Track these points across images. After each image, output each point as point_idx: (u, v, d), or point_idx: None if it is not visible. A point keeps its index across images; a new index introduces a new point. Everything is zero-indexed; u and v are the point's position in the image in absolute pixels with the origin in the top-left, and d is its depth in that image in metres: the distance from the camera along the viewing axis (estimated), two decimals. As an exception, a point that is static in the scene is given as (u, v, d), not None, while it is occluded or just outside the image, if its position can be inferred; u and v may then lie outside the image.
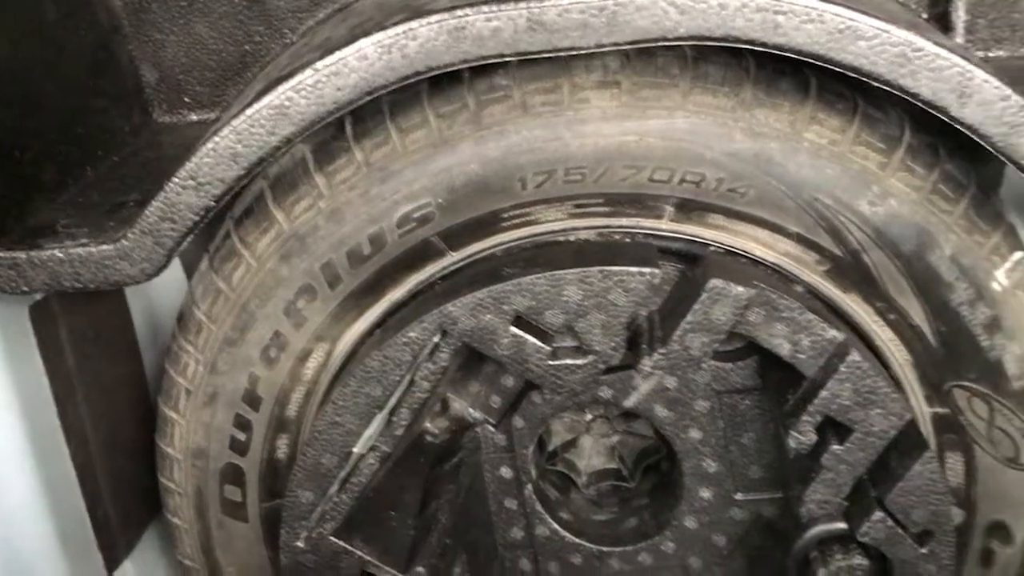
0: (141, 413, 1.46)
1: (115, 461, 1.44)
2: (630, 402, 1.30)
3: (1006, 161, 1.03)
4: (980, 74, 1.00)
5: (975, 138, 1.03)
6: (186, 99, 1.54)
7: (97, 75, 1.44)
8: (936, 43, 1.00)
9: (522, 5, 1.06)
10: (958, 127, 1.03)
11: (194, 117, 1.56)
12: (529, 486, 1.41)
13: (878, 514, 1.19)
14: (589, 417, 1.46)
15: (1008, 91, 1.00)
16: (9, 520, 1.30)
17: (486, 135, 1.19)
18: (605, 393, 1.29)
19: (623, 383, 1.27)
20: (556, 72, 1.20)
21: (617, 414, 1.44)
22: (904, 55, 1.01)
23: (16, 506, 1.30)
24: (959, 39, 1.31)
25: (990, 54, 1.42)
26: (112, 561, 1.45)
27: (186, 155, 1.14)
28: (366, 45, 1.08)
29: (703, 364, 1.24)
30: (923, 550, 1.20)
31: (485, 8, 1.06)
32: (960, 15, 1.36)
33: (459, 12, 1.06)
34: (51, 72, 1.33)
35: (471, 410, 1.34)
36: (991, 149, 1.03)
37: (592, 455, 1.48)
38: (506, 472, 1.41)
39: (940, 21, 1.39)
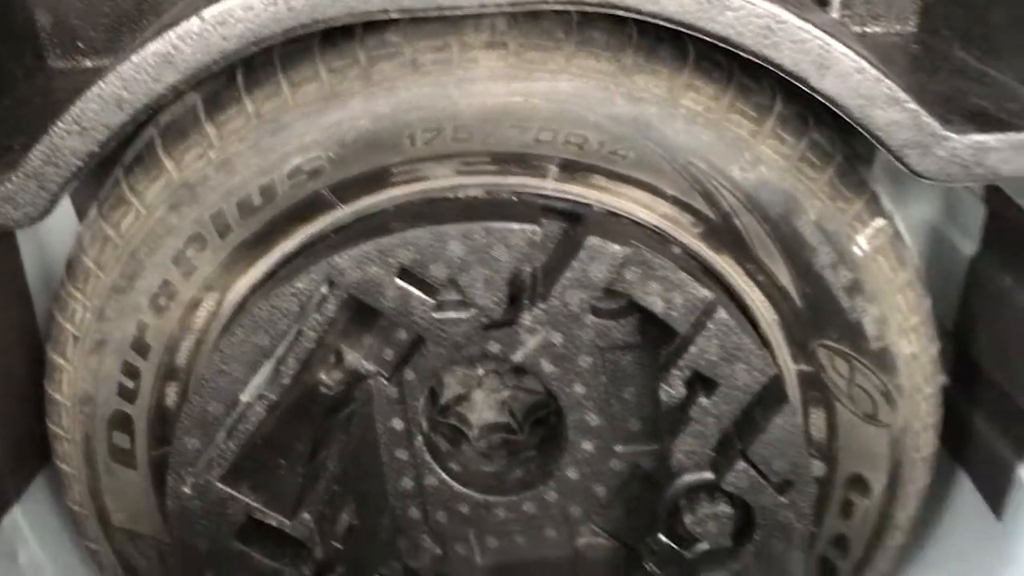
0: (31, 359, 1.46)
1: (4, 407, 1.44)
2: (517, 357, 1.34)
3: (863, 132, 1.09)
4: (838, 47, 1.05)
5: (834, 109, 1.08)
6: (80, 45, 1.52)
7: (-11, 18, 1.42)
8: (800, 16, 1.05)
9: None
10: (819, 98, 1.09)
11: (88, 64, 1.55)
12: (419, 437, 1.45)
13: (741, 464, 1.26)
14: (481, 372, 1.50)
15: (864, 64, 1.06)
16: None
17: (376, 91, 1.21)
18: (493, 348, 1.33)
19: (511, 338, 1.32)
20: (446, 31, 1.22)
21: (507, 369, 1.49)
22: (768, 27, 1.06)
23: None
24: (835, 14, 1.37)
25: (867, 29, 1.48)
26: (1, 506, 1.45)
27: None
28: None
29: (586, 321, 1.29)
30: (783, 499, 1.27)
31: None
32: (836, -9, 1.42)
33: (346, -32, 1.08)
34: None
35: (364, 363, 1.37)
36: (849, 120, 1.09)
37: (484, 409, 1.53)
38: (397, 424, 1.44)
39: (818, -3, 1.44)
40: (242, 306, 1.29)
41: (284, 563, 1.31)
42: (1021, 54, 1.26)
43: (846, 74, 1.07)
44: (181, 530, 1.29)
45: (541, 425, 1.53)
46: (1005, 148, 1.07)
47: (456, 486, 1.47)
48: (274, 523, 1.29)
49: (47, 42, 1.54)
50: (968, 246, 1.48)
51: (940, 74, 1.35)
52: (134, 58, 1.10)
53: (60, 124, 1.13)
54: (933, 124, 1.07)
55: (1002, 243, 1.41)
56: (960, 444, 1.52)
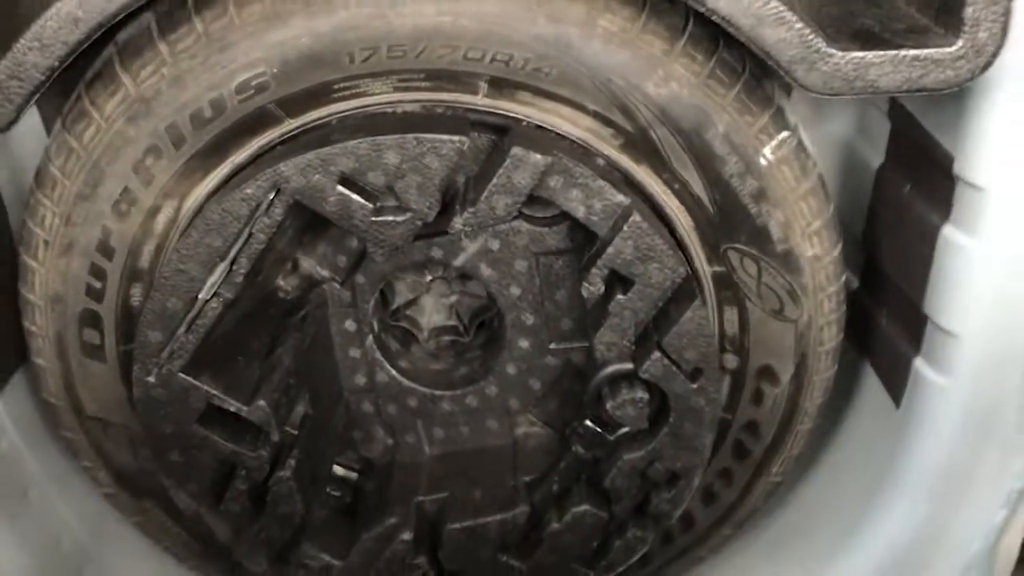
0: (7, 263, 1.56)
1: None
2: (459, 261, 1.46)
3: (754, 49, 1.19)
4: None
5: (727, 28, 1.19)
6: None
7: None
8: (698, -57, 1.15)
9: None
10: (714, 19, 1.19)
11: None
12: (371, 337, 1.57)
13: (656, 355, 1.39)
14: (428, 279, 1.62)
15: None
16: None
17: (316, 11, 1.31)
18: (436, 254, 1.45)
19: (452, 245, 1.43)
20: (380, -44, 1.31)
21: (453, 276, 1.61)
22: None
23: None
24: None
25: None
26: None
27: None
28: None
29: (521, 228, 1.41)
30: (694, 385, 1.41)
31: None
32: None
33: None
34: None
35: (319, 268, 1.49)
36: (742, 39, 1.19)
37: (432, 313, 1.65)
38: (350, 325, 1.57)
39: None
40: (198, 212, 1.40)
41: (243, 446, 1.44)
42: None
43: None
44: (147, 417, 1.42)
45: (484, 327, 1.65)
46: (884, 63, 1.18)
47: (405, 381, 1.61)
48: (232, 408, 1.42)
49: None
50: (875, 159, 1.59)
51: None
52: None
53: (23, 41, 1.23)
54: (817, 41, 1.18)
55: (903, 156, 1.52)
56: (866, 340, 1.65)
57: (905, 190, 1.48)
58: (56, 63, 1.23)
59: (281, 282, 1.49)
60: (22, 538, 1.61)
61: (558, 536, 1.50)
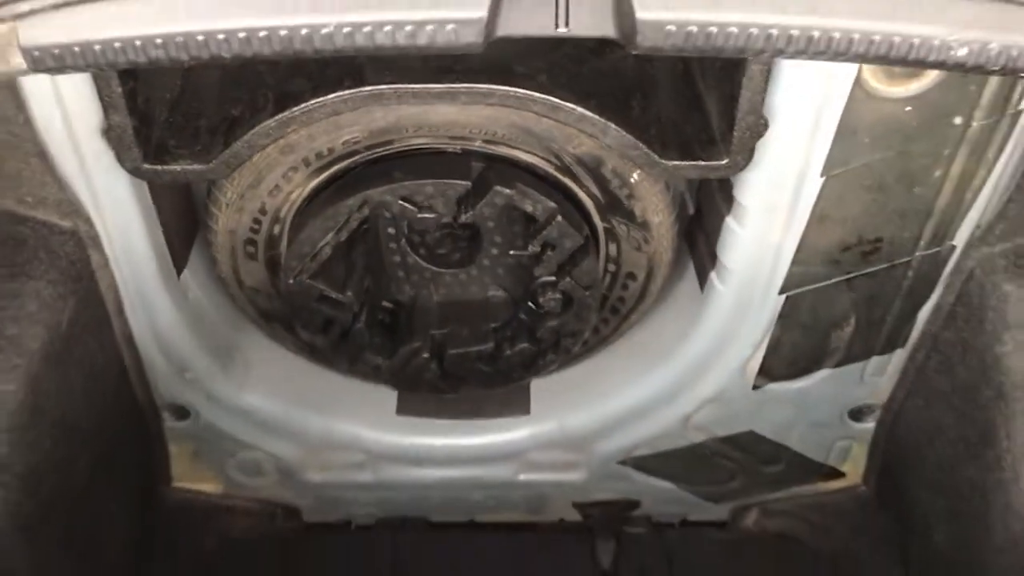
0: (188, 198, 2.63)
1: (179, 209, 2.62)
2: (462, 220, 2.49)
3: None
4: None
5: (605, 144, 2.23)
6: None
7: None
8: None
9: None
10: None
11: None
12: (403, 240, 2.67)
13: (568, 279, 2.50)
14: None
15: None
16: None
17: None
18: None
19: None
20: None
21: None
22: None
23: None
24: None
25: None
26: (179, 267, 2.69)
27: None
28: None
29: (502, 194, 2.50)
30: (587, 293, 2.58)
31: None
32: None
33: None
34: None
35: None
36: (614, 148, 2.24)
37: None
38: (392, 231, 2.66)
39: None
40: (313, 198, 2.45)
41: (338, 311, 2.61)
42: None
43: None
44: (288, 298, 2.57)
45: (472, 238, 2.71)
46: (689, 168, 2.26)
47: (423, 263, 2.72)
48: (334, 295, 2.57)
49: None
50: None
51: None
52: None
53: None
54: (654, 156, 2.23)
55: (716, 181, 2.59)
56: (692, 251, 2.82)
57: (718, 194, 2.57)
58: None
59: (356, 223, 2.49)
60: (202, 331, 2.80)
61: (509, 358, 2.74)
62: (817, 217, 2.31)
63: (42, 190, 2.19)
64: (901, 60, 1.56)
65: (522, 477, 3.00)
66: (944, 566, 2.64)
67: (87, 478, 2.48)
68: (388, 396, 2.84)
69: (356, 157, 2.37)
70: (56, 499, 2.30)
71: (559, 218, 2.40)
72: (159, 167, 2.15)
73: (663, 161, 2.18)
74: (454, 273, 2.57)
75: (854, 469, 3.12)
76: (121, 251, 2.37)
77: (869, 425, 2.97)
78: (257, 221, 2.46)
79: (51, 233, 2.26)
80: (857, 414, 2.95)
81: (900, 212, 2.33)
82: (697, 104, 2.26)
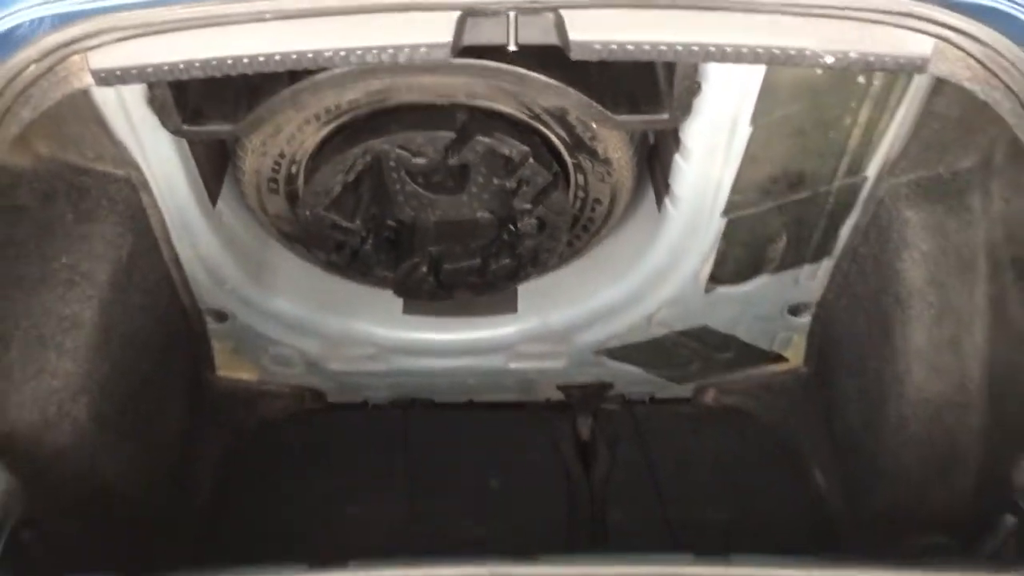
0: (220, 147, 3.09)
1: (213, 154, 3.09)
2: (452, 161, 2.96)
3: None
4: None
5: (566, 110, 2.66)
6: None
7: None
8: None
9: None
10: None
11: None
12: (403, 171, 3.13)
13: (542, 207, 3.00)
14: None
15: None
16: None
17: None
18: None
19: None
20: None
21: None
22: None
23: None
24: None
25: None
26: (213, 198, 3.17)
27: None
28: None
29: (483, 142, 2.93)
30: (560, 217, 3.06)
31: None
32: None
33: None
34: None
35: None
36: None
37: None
38: (393, 165, 3.11)
39: None
40: (324, 145, 2.91)
41: (348, 236, 3.10)
42: None
43: None
44: (305, 223, 3.06)
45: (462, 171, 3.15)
46: (638, 122, 2.68)
47: (421, 190, 3.18)
48: (344, 224, 3.06)
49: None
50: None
51: None
52: None
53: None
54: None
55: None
56: (652, 177, 3.26)
57: (670, 134, 2.99)
58: None
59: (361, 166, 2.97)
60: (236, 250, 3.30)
61: (495, 271, 3.23)
62: (749, 157, 2.76)
63: (100, 147, 2.66)
64: (784, 64, 1.99)
65: (512, 365, 3.54)
66: (855, 439, 3.19)
67: (148, 376, 3.04)
68: (396, 298, 3.29)
69: (358, 111, 2.81)
70: (126, 397, 2.86)
71: (531, 160, 2.86)
72: (195, 128, 2.62)
73: (614, 116, 2.62)
74: (447, 199, 2.98)
75: (795, 355, 3.65)
76: (167, 192, 2.86)
77: (805, 319, 3.48)
78: (277, 163, 2.93)
79: (109, 181, 2.74)
80: (795, 310, 3.45)
81: (818, 152, 2.77)
82: (647, 68, 2.67)
